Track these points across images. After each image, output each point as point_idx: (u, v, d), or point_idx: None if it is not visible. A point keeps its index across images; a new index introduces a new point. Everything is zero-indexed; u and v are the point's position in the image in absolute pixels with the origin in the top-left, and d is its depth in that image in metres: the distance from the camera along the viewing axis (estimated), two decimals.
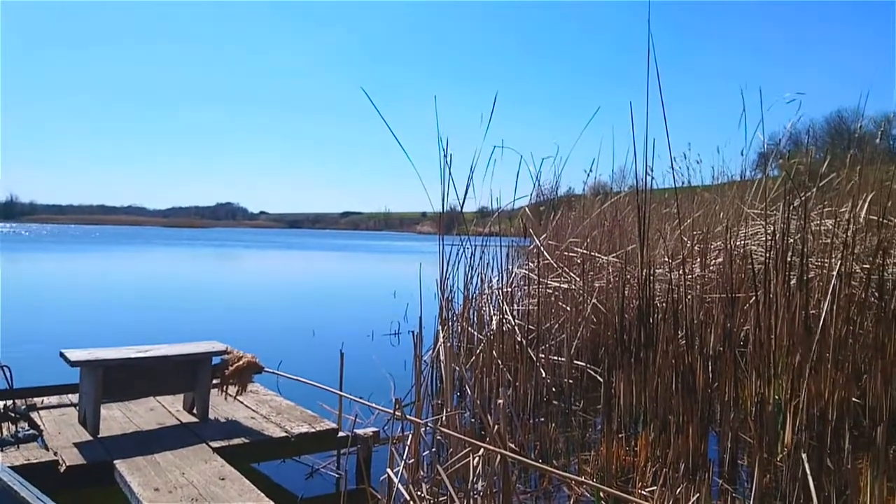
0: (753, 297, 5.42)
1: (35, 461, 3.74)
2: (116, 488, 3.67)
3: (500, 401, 3.56)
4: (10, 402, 4.65)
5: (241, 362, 4.88)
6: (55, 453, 3.89)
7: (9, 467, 3.24)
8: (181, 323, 11.97)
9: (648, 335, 5.46)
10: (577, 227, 8.46)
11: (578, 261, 7.60)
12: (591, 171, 8.51)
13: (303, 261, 39.34)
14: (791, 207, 5.84)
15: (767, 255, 5.52)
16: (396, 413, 3.46)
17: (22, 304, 14.61)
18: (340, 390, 4.99)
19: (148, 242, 60.11)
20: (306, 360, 8.10)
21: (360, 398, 4.87)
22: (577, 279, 7.26)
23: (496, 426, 3.43)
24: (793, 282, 5.16)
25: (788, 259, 5.25)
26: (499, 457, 3.27)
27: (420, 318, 4.26)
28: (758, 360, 5.08)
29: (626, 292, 6.36)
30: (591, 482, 3.77)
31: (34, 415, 4.60)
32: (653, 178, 6.65)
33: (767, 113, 6.28)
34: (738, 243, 7.04)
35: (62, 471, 3.72)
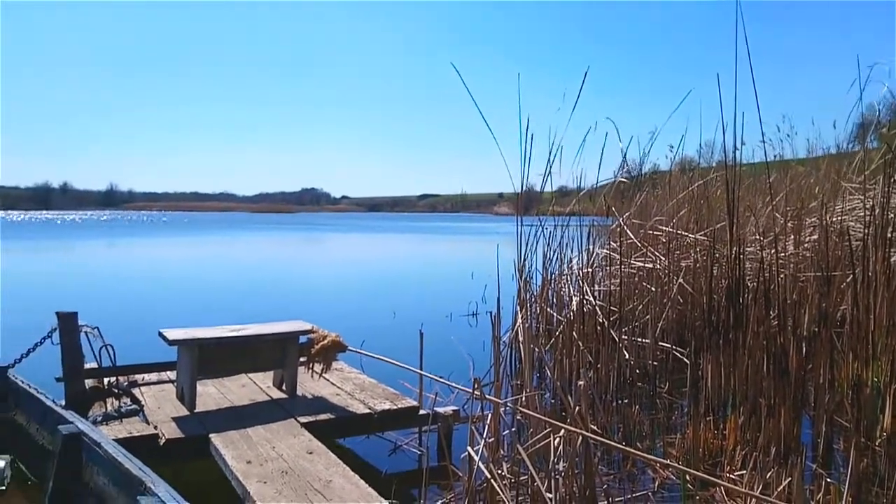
0: (851, 276, 5.12)
1: (137, 434, 3.98)
2: (211, 461, 3.87)
3: (581, 382, 3.52)
4: (113, 379, 4.97)
5: (325, 341, 5.04)
6: (155, 427, 4.13)
7: (113, 440, 3.47)
8: (270, 303, 12.42)
9: (738, 316, 5.25)
10: (662, 205, 8.20)
11: (664, 240, 7.37)
12: (677, 147, 8.22)
13: (383, 243, 40.01)
14: (892, 181, 5.46)
15: (866, 230, 5.19)
16: (476, 393, 3.48)
17: (123, 287, 15.55)
18: (420, 369, 5.07)
19: (237, 228, 62.63)
20: (387, 339, 8.25)
21: (440, 377, 4.93)
22: (663, 258, 7.05)
23: (577, 407, 3.39)
24: (893, 258, 4.83)
25: (889, 235, 4.92)
26: (580, 438, 3.24)
27: (498, 299, 4.25)
28: (855, 340, 4.81)
29: (714, 272, 6.13)
30: (677, 465, 3.68)
31: (136, 391, 4.90)
32: (744, 149, 6.36)
33: (866, 83, 5.84)
34: (834, 219, 6.66)
35: (162, 444, 3.95)
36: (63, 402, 4.28)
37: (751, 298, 5.44)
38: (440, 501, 3.68)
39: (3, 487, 3.92)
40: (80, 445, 3.43)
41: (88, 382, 4.79)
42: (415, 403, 4.79)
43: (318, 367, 5.11)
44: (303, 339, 5.03)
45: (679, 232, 7.40)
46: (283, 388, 4.96)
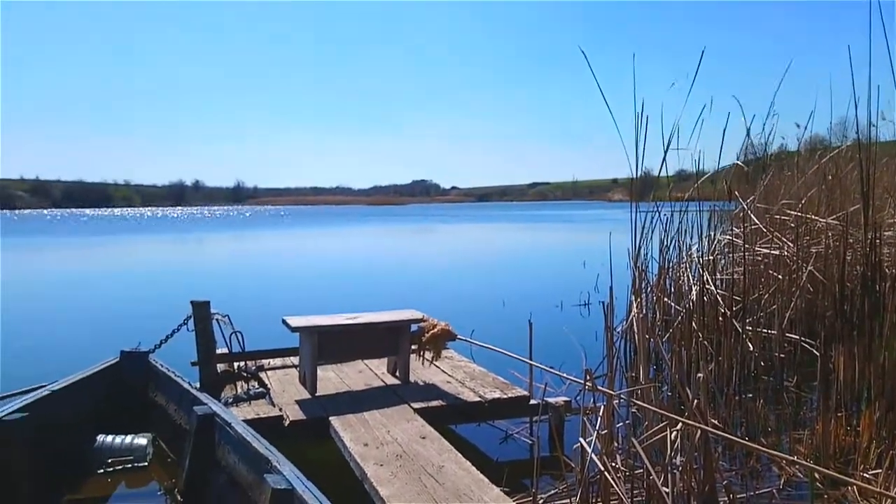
0: None
1: (264, 416, 4.23)
2: (331, 442, 4.05)
3: (701, 375, 3.38)
4: (242, 364, 5.30)
5: (436, 330, 5.12)
6: (280, 409, 4.37)
7: (243, 420, 3.70)
8: (384, 292, 12.79)
9: (874, 304, 4.85)
10: (790, 188, 7.68)
11: (792, 224, 6.91)
12: (805, 124, 7.65)
13: (492, 233, 40.09)
14: None
15: None
16: (588, 384, 3.42)
17: (250, 277, 16.52)
18: (530, 359, 5.04)
19: (352, 220, 64.80)
20: (497, 329, 8.27)
21: (550, 368, 4.89)
22: (791, 244, 6.61)
23: (696, 400, 3.26)
24: None
25: None
26: (699, 432, 3.11)
27: (611, 288, 4.14)
28: None
29: (847, 258, 5.68)
30: (804, 462, 3.45)
31: (262, 375, 5.21)
32: (882, 126, 5.83)
33: None
34: None
35: (286, 425, 4.17)
36: (198, 385, 4.62)
37: (889, 286, 5.00)
38: (552, 491, 3.66)
39: (146, 463, 4.28)
40: (213, 426, 3.69)
41: (220, 366, 5.13)
42: (525, 393, 4.79)
43: (428, 355, 5.21)
44: (414, 327, 5.14)
45: (809, 216, 6.90)
46: (397, 374, 5.10)
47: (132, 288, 15.14)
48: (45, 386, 4.27)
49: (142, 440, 4.37)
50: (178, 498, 3.76)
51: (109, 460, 4.22)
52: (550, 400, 4.63)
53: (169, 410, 4.52)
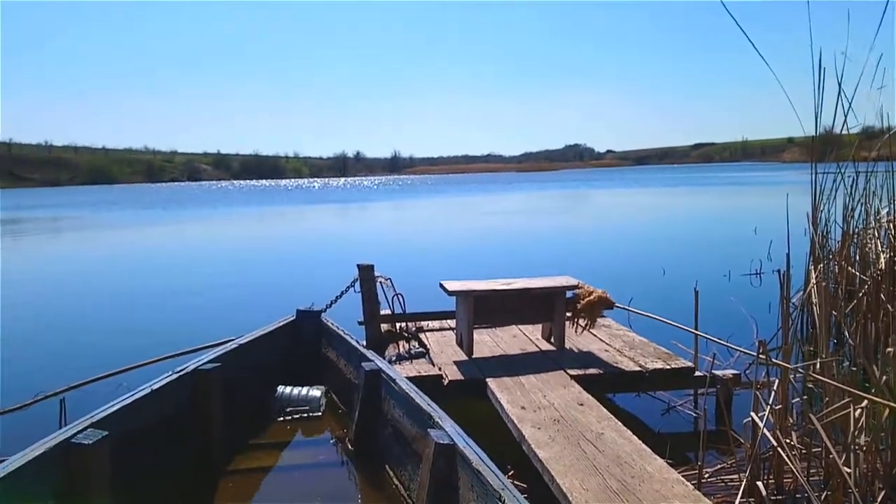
0: None
1: (424, 374, 4.41)
2: (486, 402, 4.14)
3: (891, 349, 3.06)
4: (403, 325, 5.55)
5: (592, 297, 5.04)
6: (439, 369, 4.53)
7: (406, 378, 3.89)
8: (538, 258, 12.76)
9: None
10: None
11: None
12: None
13: (651, 197, 38.45)
14: None
15: None
16: (761, 356, 3.21)
17: (410, 242, 17.16)
18: (696, 329, 4.82)
19: (502, 186, 64.98)
20: (657, 297, 7.98)
21: (717, 339, 4.65)
22: None
23: (884, 377, 2.97)
24: None
25: None
26: (886, 410, 2.83)
27: (787, 256, 3.84)
28: None
29: None
30: None
31: (422, 335, 5.41)
32: None
33: None
34: None
35: (445, 384, 4.32)
36: (364, 343, 4.91)
37: None
38: (719, 466, 3.51)
39: (320, 414, 4.64)
40: (379, 381, 3.92)
41: (383, 326, 5.40)
42: (689, 364, 4.59)
43: (582, 322, 5.14)
44: (569, 294, 5.09)
45: None
46: (552, 340, 5.09)
47: (305, 252, 16.32)
48: (232, 340, 4.72)
49: (316, 392, 4.73)
50: (349, 447, 4.04)
51: (288, 409, 4.62)
52: (718, 373, 4.41)
53: (339, 365, 4.84)
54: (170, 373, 3.78)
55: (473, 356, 4.79)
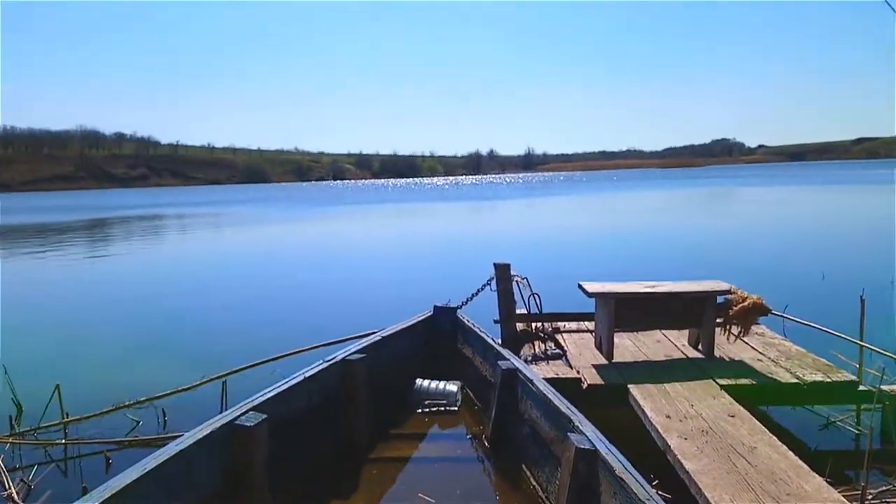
0: None
1: (562, 376, 4.35)
2: (627, 409, 4.01)
3: None
4: (539, 325, 5.50)
5: (745, 303, 4.74)
6: (578, 372, 4.45)
7: (543, 378, 3.85)
8: (685, 261, 12.22)
9: None
10: None
11: None
12: None
13: (808, 195, 35.57)
14: None
15: None
16: None
17: (546, 240, 17.00)
18: (861, 340, 4.42)
19: (640, 183, 62.73)
20: (816, 304, 7.38)
21: (886, 351, 4.23)
22: None
23: None
24: None
25: None
26: None
27: None
28: None
29: None
30: None
31: (559, 336, 5.35)
32: None
33: None
34: None
35: (584, 387, 4.23)
36: (499, 341, 4.92)
37: None
38: (885, 487, 3.19)
39: (456, 408, 4.72)
40: (516, 380, 3.92)
41: (519, 325, 5.39)
42: (852, 378, 4.20)
43: (735, 330, 4.85)
44: (720, 299, 4.82)
45: None
46: (699, 347, 4.85)
47: (440, 248, 16.66)
48: (375, 332, 4.92)
49: (453, 387, 4.82)
50: (485, 444, 4.08)
51: (426, 402, 4.74)
52: (886, 387, 4.01)
53: (475, 362, 4.89)
54: (320, 361, 4.00)
55: (614, 360, 4.66)
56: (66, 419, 4.65)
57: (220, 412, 3.15)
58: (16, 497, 3.64)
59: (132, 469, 2.44)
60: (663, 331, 5.33)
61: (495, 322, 5.39)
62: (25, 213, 45.51)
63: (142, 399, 4.90)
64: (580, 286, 4.85)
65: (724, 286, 4.80)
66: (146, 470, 2.44)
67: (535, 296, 5.52)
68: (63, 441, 4.47)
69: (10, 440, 4.44)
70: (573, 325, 5.69)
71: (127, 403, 4.86)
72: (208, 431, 2.85)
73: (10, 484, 3.72)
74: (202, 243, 21.61)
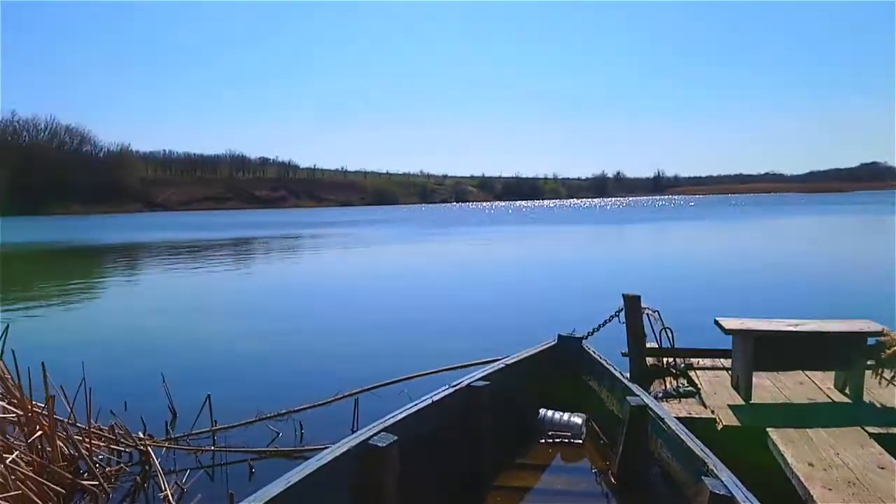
0: None
1: (695, 416, 4.20)
2: (766, 453, 3.80)
3: None
4: (671, 360, 5.34)
5: None
6: (712, 411, 4.28)
7: (675, 417, 3.74)
8: (831, 297, 11.38)
9: None
10: None
11: None
12: None
13: None
14: None
15: None
16: None
17: (680, 272, 16.38)
18: None
19: (779, 210, 58.92)
20: None
21: None
22: None
23: None
24: None
25: None
26: None
27: None
28: None
29: None
30: None
31: (691, 373, 5.16)
32: None
33: None
34: None
35: (719, 429, 4.06)
36: (627, 375, 4.82)
37: None
38: None
39: (580, 441, 4.66)
40: (646, 417, 3.83)
41: (649, 360, 5.26)
42: None
43: (888, 374, 4.49)
44: (871, 340, 4.48)
45: None
46: (846, 391, 4.52)
47: (565, 275, 16.51)
48: (499, 359, 4.97)
49: (577, 419, 4.77)
50: (612, 480, 4.01)
51: (550, 432, 4.72)
52: None
53: (601, 395, 4.82)
54: (446, 386, 4.11)
55: (752, 401, 4.44)
56: (214, 427, 5.06)
57: (352, 429, 3.34)
58: (171, 499, 4.00)
59: (277, 482, 2.63)
60: (806, 372, 5.01)
61: (623, 355, 5.28)
62: (183, 229, 49.75)
63: (282, 411, 5.25)
64: (716, 322, 4.67)
65: (876, 327, 4.46)
66: (290, 483, 2.62)
67: (668, 330, 5.36)
68: (212, 448, 4.87)
69: (167, 444, 4.89)
70: (707, 361, 5.47)
71: (268, 415, 5.22)
72: (345, 449, 3.01)
73: (166, 486, 4.09)
74: (331, 262, 22.70)
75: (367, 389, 5.50)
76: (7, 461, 3.62)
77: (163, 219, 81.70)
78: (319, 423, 5.23)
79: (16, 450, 3.88)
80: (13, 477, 3.59)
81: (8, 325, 4.48)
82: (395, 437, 3.21)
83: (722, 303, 10.37)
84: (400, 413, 3.57)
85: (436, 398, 3.89)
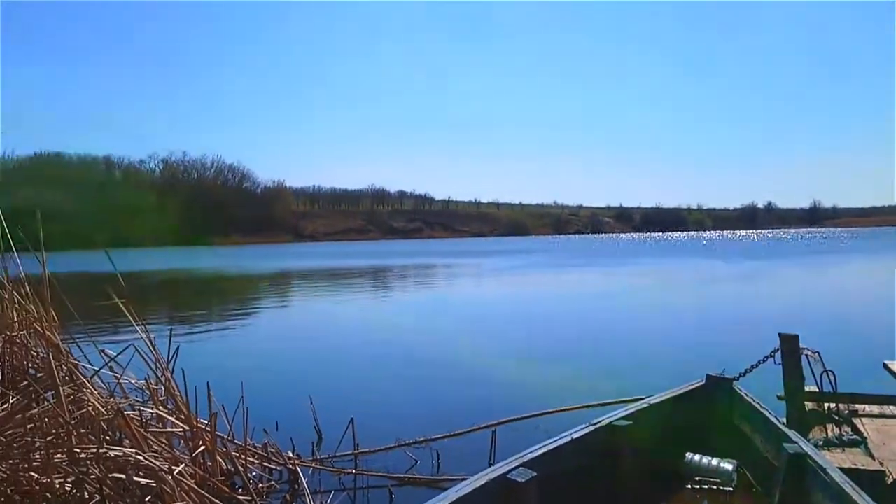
0: None
1: (861, 467, 3.83)
2: None
3: None
4: (833, 405, 4.91)
5: None
6: (881, 463, 3.89)
7: (837, 467, 3.43)
8: None
9: None
10: None
11: None
12: None
13: None
14: None
15: None
16: None
17: (845, 312, 15.03)
18: None
19: None
20: None
21: None
22: None
23: None
24: None
25: None
26: None
27: None
28: None
29: None
30: None
31: (856, 420, 4.71)
32: None
33: None
34: None
35: (888, 482, 3.68)
36: (784, 420, 4.48)
37: None
38: None
39: (731, 489, 4.37)
40: (805, 467, 3.54)
41: (807, 405, 4.87)
42: None
43: None
44: None
45: None
46: None
47: (714, 311, 15.65)
48: (642, 399, 4.80)
49: (727, 465, 4.48)
50: None
51: (697, 478, 4.48)
52: None
53: (754, 441, 4.51)
54: (585, 424, 4.03)
55: None
56: (356, 451, 5.26)
57: (489, 461, 3.35)
58: None
59: None
60: None
61: (779, 398, 4.94)
62: (330, 257, 52.60)
63: (420, 439, 5.37)
64: (885, 365, 4.28)
65: None
66: None
67: (829, 373, 4.94)
68: (353, 471, 5.05)
69: (313, 465, 5.14)
70: (875, 408, 4.98)
71: (407, 441, 5.35)
72: (483, 482, 3.04)
73: None
74: (467, 291, 22.98)
75: (505, 422, 5.50)
76: (174, 473, 3.96)
77: (312, 248, 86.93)
78: (456, 452, 5.29)
79: (182, 462, 4.24)
80: (179, 488, 3.92)
81: (178, 347, 4.91)
82: (534, 474, 3.19)
83: (890, 345, 9.41)
84: (538, 449, 3.55)
85: (575, 435, 3.82)
